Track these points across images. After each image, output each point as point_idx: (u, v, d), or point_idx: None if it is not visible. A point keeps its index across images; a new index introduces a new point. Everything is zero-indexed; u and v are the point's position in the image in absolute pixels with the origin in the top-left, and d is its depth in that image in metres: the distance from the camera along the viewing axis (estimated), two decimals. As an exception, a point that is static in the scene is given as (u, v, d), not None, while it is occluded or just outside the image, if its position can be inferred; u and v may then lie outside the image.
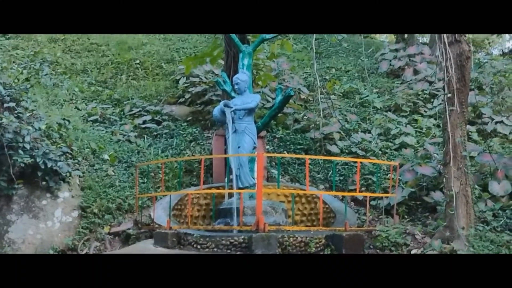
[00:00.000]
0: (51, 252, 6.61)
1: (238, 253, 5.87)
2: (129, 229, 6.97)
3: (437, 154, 7.95)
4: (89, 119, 9.82)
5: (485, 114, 9.98)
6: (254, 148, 7.50)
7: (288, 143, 9.58)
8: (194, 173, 8.53)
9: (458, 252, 5.94)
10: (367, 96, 11.41)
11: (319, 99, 9.74)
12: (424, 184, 7.54)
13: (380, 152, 9.08)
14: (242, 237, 5.98)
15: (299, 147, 9.47)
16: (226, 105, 7.31)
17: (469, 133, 8.71)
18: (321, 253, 6.09)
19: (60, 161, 7.01)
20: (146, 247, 6.18)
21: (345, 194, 7.23)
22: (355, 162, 7.73)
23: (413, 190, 7.49)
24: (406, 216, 7.26)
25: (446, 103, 6.46)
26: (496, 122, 9.69)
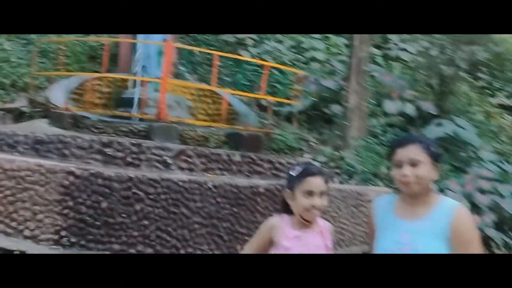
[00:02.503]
0: None
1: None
2: (23, 106, 6.64)
3: (342, 71, 8.24)
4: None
5: (391, 40, 10.38)
6: (165, 40, 7.28)
7: (200, 43, 9.40)
8: (98, 61, 8.16)
9: (346, 159, 6.39)
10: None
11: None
12: (326, 95, 7.84)
13: (290, 63, 9.22)
14: (142, 125, 5.95)
15: (211, 48, 9.34)
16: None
17: (374, 56, 9.07)
18: (220, 149, 6.21)
19: None
20: (41, 125, 5.96)
21: (250, 95, 7.32)
22: (264, 70, 7.80)
23: (315, 100, 7.79)
24: (304, 124, 7.58)
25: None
26: (400, 49, 10.14)
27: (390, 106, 7.39)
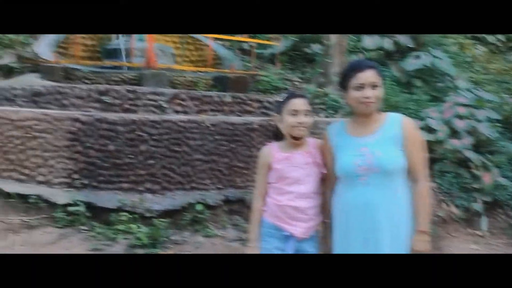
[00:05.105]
0: None
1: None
2: (12, 62, 6.70)
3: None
4: None
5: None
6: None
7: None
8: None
9: (330, 95, 6.69)
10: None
11: None
12: (306, 35, 8.03)
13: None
14: (133, 73, 6.12)
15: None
16: None
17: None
18: (209, 92, 6.44)
19: None
20: (33, 79, 6.07)
21: (233, 38, 7.47)
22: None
23: (296, 40, 7.98)
24: (287, 64, 7.80)
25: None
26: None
27: (369, 41, 7.64)
